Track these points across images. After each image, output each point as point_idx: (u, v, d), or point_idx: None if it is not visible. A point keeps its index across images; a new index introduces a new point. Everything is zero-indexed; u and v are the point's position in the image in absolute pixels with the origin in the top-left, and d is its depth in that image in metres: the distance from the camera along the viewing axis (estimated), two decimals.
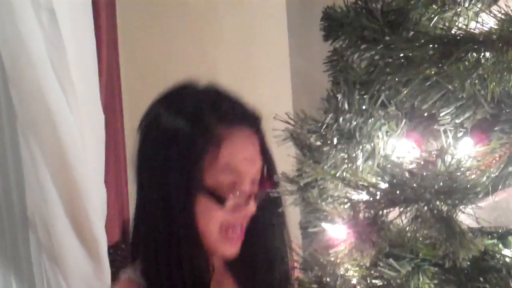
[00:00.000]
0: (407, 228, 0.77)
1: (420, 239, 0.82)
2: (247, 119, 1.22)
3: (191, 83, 1.25)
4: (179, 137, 1.18)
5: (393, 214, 0.77)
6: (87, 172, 1.76)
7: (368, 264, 0.82)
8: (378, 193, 0.74)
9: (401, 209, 0.73)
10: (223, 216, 1.19)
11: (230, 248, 1.23)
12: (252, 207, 1.20)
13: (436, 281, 0.79)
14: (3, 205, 1.82)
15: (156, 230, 1.20)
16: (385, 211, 0.76)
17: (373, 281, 0.78)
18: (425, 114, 0.86)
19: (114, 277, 1.96)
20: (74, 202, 1.76)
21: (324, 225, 0.86)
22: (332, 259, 0.82)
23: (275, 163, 1.26)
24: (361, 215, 0.78)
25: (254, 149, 1.22)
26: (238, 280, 1.34)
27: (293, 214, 1.25)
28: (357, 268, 0.83)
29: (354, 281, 0.81)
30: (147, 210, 1.23)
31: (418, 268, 0.82)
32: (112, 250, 1.98)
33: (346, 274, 0.82)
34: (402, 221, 0.77)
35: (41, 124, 1.68)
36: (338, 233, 0.83)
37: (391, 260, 0.80)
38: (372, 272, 0.80)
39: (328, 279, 0.77)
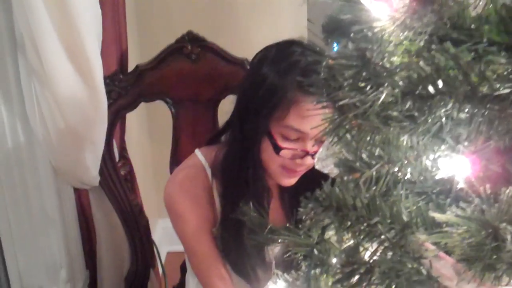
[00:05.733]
0: None
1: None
2: None
3: (301, 43, 1.42)
4: (265, 85, 1.38)
5: None
6: None
7: (418, 48, 0.63)
8: None
9: None
10: (281, 160, 1.43)
11: (284, 180, 1.49)
12: (308, 161, 1.41)
13: (507, 68, 0.60)
14: None
15: (235, 145, 1.50)
16: None
17: (424, 68, 0.59)
18: None
19: (111, 110, 1.81)
20: (66, 23, 1.55)
21: None
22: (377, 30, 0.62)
23: None
24: None
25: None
26: (286, 212, 1.61)
27: None
28: (405, 54, 0.64)
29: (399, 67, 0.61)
30: (235, 121, 1.52)
31: (480, 57, 0.63)
32: (109, 80, 1.81)
33: (392, 59, 0.63)
34: None
35: None
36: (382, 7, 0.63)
37: (448, 44, 0.61)
38: (423, 57, 0.61)
39: (372, 55, 0.58)
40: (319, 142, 1.42)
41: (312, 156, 1.41)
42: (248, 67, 1.82)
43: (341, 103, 0.61)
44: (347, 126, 0.63)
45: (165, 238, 2.94)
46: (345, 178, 0.73)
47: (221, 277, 1.54)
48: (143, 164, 2.76)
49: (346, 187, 0.72)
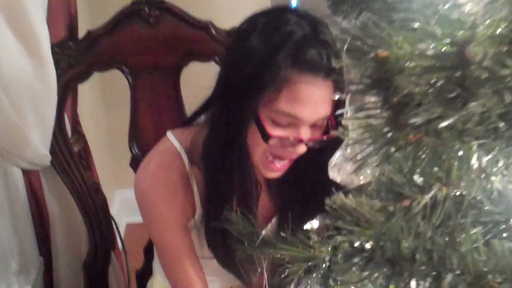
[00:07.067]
0: None
1: None
2: (327, 69, 1.14)
3: (296, 10, 1.22)
4: (253, 61, 1.15)
5: None
6: None
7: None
8: None
9: None
10: (268, 148, 1.22)
11: (269, 172, 1.28)
12: (300, 149, 1.22)
13: None
14: None
15: (218, 128, 1.26)
16: None
17: None
18: None
19: (61, 81, 1.58)
20: None
21: None
22: None
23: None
24: None
25: (321, 99, 1.17)
26: (272, 194, 1.42)
27: None
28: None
29: None
30: (216, 102, 1.30)
31: None
32: (57, 48, 1.57)
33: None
34: None
35: None
36: None
37: None
38: None
39: (474, 52, 0.39)
40: (315, 127, 1.24)
41: (306, 144, 1.22)
42: (214, 31, 1.62)
43: (415, 121, 0.42)
44: (400, 142, 0.45)
45: (124, 210, 2.74)
46: (391, 207, 0.55)
47: (197, 273, 1.36)
48: (97, 134, 2.54)
49: (400, 228, 0.53)
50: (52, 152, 1.62)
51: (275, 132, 1.20)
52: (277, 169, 1.28)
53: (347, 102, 0.58)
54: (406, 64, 0.41)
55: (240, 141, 1.24)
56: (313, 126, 1.23)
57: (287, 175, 1.32)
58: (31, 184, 1.65)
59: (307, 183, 1.34)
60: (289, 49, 1.14)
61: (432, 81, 0.41)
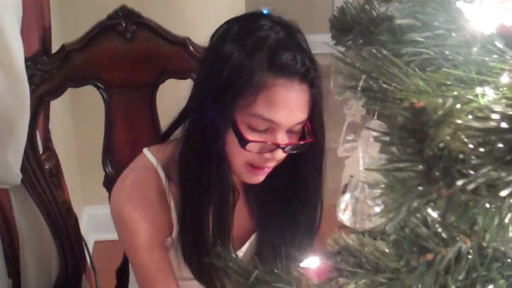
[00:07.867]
0: None
1: None
2: (302, 72, 1.16)
3: (270, 15, 1.20)
4: (228, 66, 1.16)
5: None
6: None
7: None
8: None
9: None
10: (247, 155, 1.20)
11: (250, 179, 1.27)
12: (278, 156, 1.21)
13: None
14: None
15: (194, 138, 1.24)
16: None
17: None
18: None
19: (34, 96, 1.52)
20: None
21: None
22: None
23: (322, 119, 1.25)
24: None
25: (297, 103, 1.17)
26: (251, 208, 1.41)
27: None
28: None
29: None
30: (193, 110, 1.27)
31: None
32: (31, 62, 1.52)
33: None
34: None
35: None
36: None
37: None
38: None
39: None
40: (292, 133, 1.23)
41: (283, 149, 1.21)
42: (192, 48, 1.59)
43: (464, 184, 0.39)
44: (431, 196, 0.42)
45: (92, 227, 2.67)
46: (413, 262, 0.52)
47: None
48: (66, 150, 2.48)
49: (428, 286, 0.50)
50: (23, 170, 1.56)
51: (252, 137, 1.19)
52: (261, 172, 1.27)
53: (359, 144, 0.55)
54: (449, 118, 0.39)
55: (217, 148, 1.22)
56: (290, 132, 1.23)
57: (266, 186, 1.31)
58: (0, 203, 1.59)
59: (287, 193, 1.34)
60: (264, 53, 1.15)
61: (482, 140, 0.38)
